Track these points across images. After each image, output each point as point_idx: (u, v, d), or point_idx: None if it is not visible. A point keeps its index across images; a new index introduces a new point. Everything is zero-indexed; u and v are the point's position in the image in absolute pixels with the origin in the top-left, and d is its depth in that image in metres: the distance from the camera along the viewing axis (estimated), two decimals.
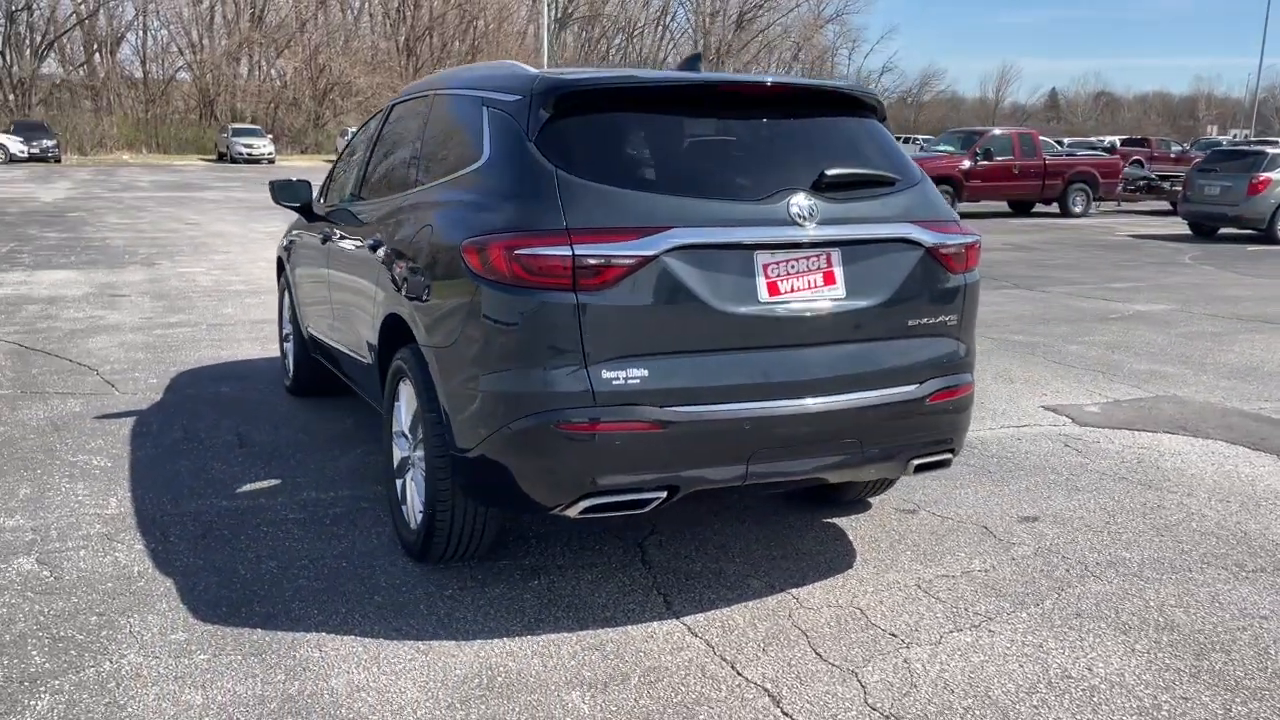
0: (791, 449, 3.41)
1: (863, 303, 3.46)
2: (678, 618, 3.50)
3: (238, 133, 45.10)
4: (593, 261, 3.12)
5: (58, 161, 39.91)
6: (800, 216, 3.33)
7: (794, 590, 3.73)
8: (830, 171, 3.46)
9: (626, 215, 3.19)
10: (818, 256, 3.40)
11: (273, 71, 60.31)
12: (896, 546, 4.16)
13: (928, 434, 3.68)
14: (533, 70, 3.69)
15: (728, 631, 3.41)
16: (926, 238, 3.58)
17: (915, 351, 3.61)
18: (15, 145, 38.39)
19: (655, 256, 3.16)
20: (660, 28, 77.91)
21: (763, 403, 3.32)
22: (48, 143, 39.95)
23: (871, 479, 3.97)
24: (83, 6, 54.39)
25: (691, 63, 4.18)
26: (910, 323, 3.58)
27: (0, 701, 2.91)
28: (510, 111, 3.54)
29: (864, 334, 3.49)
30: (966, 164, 22.64)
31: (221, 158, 45.82)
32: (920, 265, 3.58)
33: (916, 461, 3.69)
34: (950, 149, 23.91)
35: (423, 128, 4.36)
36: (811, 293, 3.38)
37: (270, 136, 46.62)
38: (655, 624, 3.45)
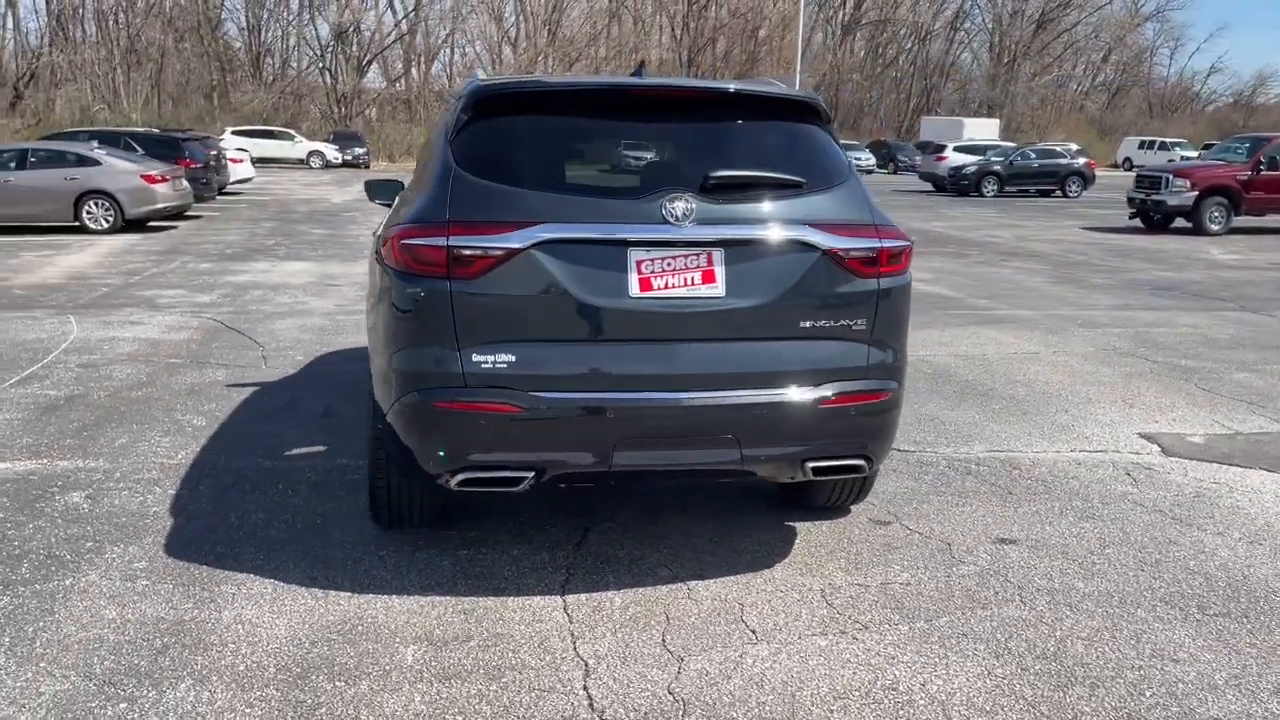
0: (660, 441, 3.51)
1: (745, 302, 3.51)
2: (563, 595, 3.70)
3: None
4: (466, 252, 3.39)
5: (366, 167, 44.18)
6: (674, 216, 3.44)
7: (693, 582, 3.82)
8: (715, 174, 3.53)
9: (501, 210, 3.44)
10: (696, 255, 3.48)
11: None
12: (836, 554, 4.12)
13: (825, 439, 3.65)
14: (481, 78, 3.99)
15: (596, 611, 3.57)
16: (824, 241, 3.56)
17: (808, 354, 3.60)
18: (331, 153, 42.98)
19: (523, 249, 3.38)
20: (952, 30, 75.32)
21: (629, 394, 3.45)
22: (359, 150, 44.35)
23: (779, 477, 3.89)
24: (402, 24, 59.88)
25: (637, 72, 4.33)
26: (803, 325, 3.58)
27: None
28: (449, 116, 3.88)
29: (746, 333, 3.53)
30: (1246, 174, 20.54)
31: None
32: (816, 268, 3.57)
33: (813, 465, 3.67)
34: (1230, 157, 21.77)
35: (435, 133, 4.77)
36: (687, 290, 3.47)
37: None
38: (538, 598, 3.67)
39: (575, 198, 3.49)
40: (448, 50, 63.64)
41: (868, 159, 51.42)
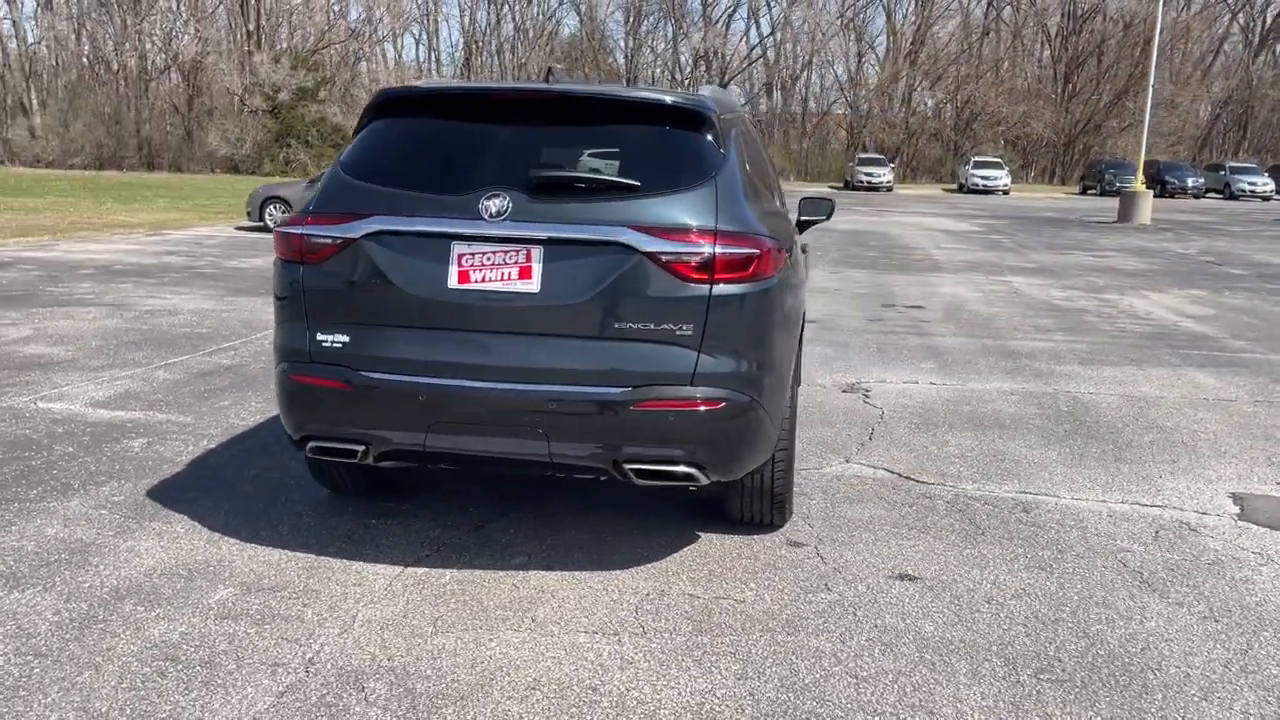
0: (470, 427, 3.67)
1: (560, 300, 3.59)
2: (406, 566, 3.95)
3: (862, 162, 47.73)
4: (314, 240, 3.76)
5: None
6: (488, 213, 3.59)
7: (534, 572, 3.92)
8: (540, 174, 3.64)
9: (348, 203, 3.77)
10: (515, 252, 3.61)
11: (926, 101, 62.25)
12: (707, 566, 4.04)
13: (641, 441, 3.63)
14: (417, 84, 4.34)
15: (417, 584, 3.79)
16: (644, 243, 3.55)
17: (622, 355, 3.60)
18: None
19: (356, 239, 3.70)
20: None
21: (443, 380, 3.65)
22: None
23: (604, 476, 3.80)
24: (757, 48, 61.32)
25: (546, 78, 4.44)
26: (618, 326, 3.58)
27: None
28: None
29: (559, 330, 3.60)
30: None
31: (847, 185, 48.78)
32: (634, 271, 3.57)
33: (632, 467, 3.66)
34: None
35: None
36: (503, 285, 3.61)
37: (891, 165, 48.51)
38: (382, 566, 3.94)
39: (411, 193, 3.74)
40: (808, 72, 64.26)
41: (1265, 184, 45.80)
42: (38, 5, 54.44)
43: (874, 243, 21.08)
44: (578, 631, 3.45)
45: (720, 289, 3.61)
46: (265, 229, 18.99)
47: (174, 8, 50.03)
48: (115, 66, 52.50)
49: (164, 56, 50.97)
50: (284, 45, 44.49)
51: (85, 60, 55.29)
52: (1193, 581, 4.04)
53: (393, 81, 48.02)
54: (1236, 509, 4.96)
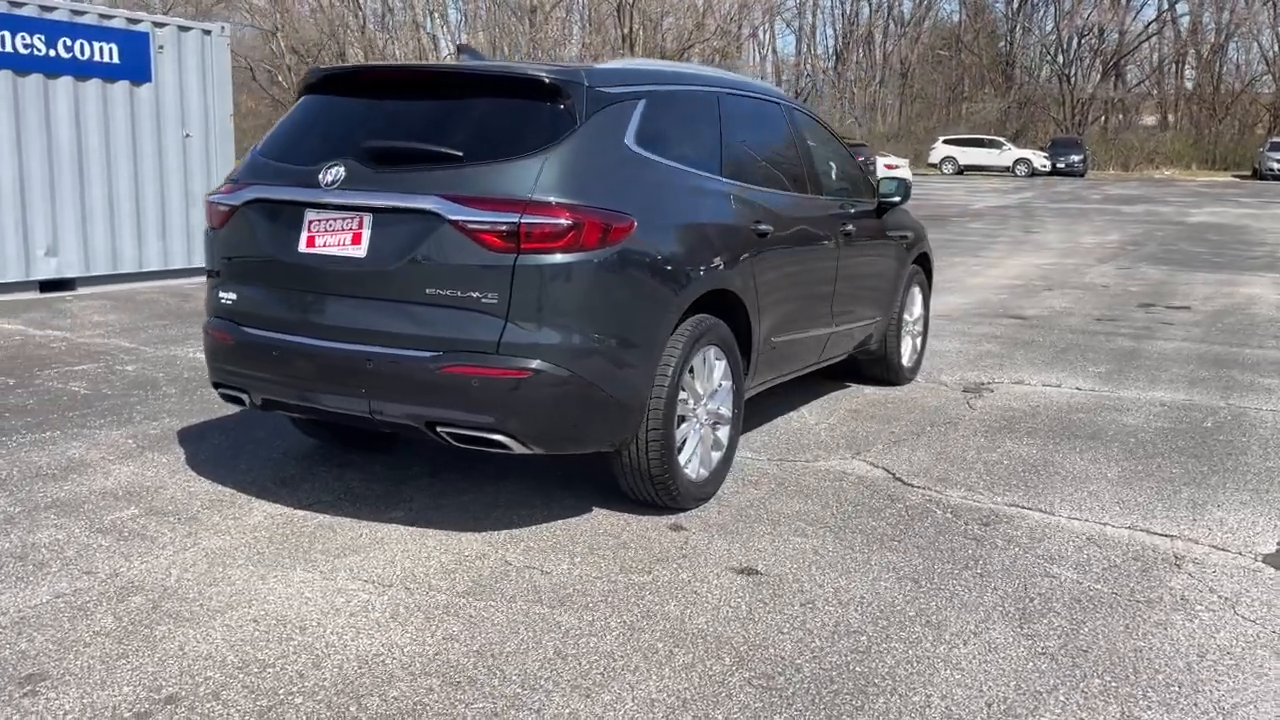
0: (309, 383, 3.94)
1: (381, 265, 3.77)
2: (296, 509, 4.30)
3: (1274, 147, 41.71)
4: (216, 208, 4.23)
5: (1080, 176, 42.27)
6: (324, 182, 3.84)
7: (394, 527, 4.11)
8: (370, 145, 3.84)
9: (244, 175, 4.19)
10: (351, 219, 3.84)
11: None
12: (555, 537, 4.03)
13: (451, 405, 3.71)
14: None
15: (284, 524, 4.13)
16: (452, 212, 3.63)
17: (431, 320, 3.70)
18: (1039, 160, 41.99)
19: (239, 206, 4.10)
20: None
21: (291, 336, 3.96)
22: (1074, 158, 42.61)
23: (419, 432, 3.87)
24: (1152, 26, 55.45)
25: (458, 53, 4.52)
26: (429, 292, 3.69)
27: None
28: None
29: (379, 294, 3.78)
30: None
31: (1255, 174, 42.95)
32: (443, 239, 3.66)
33: (444, 430, 3.76)
34: None
35: None
36: (339, 250, 3.85)
37: None
38: (273, 506, 4.32)
39: (282, 164, 4.07)
40: (1221, 50, 57.13)
41: None
42: (460, 19, 61.16)
43: (1213, 237, 18.69)
44: (358, 580, 3.62)
45: (527, 259, 3.61)
46: None
47: (564, 17, 54.22)
48: None
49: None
50: (653, 46, 46.73)
51: None
52: (1075, 619, 3.44)
53: (756, 76, 48.91)
54: (1266, 550, 4.10)
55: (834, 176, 5.87)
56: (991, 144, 43.49)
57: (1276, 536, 4.25)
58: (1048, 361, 7.73)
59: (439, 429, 3.78)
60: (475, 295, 3.65)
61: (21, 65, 9.36)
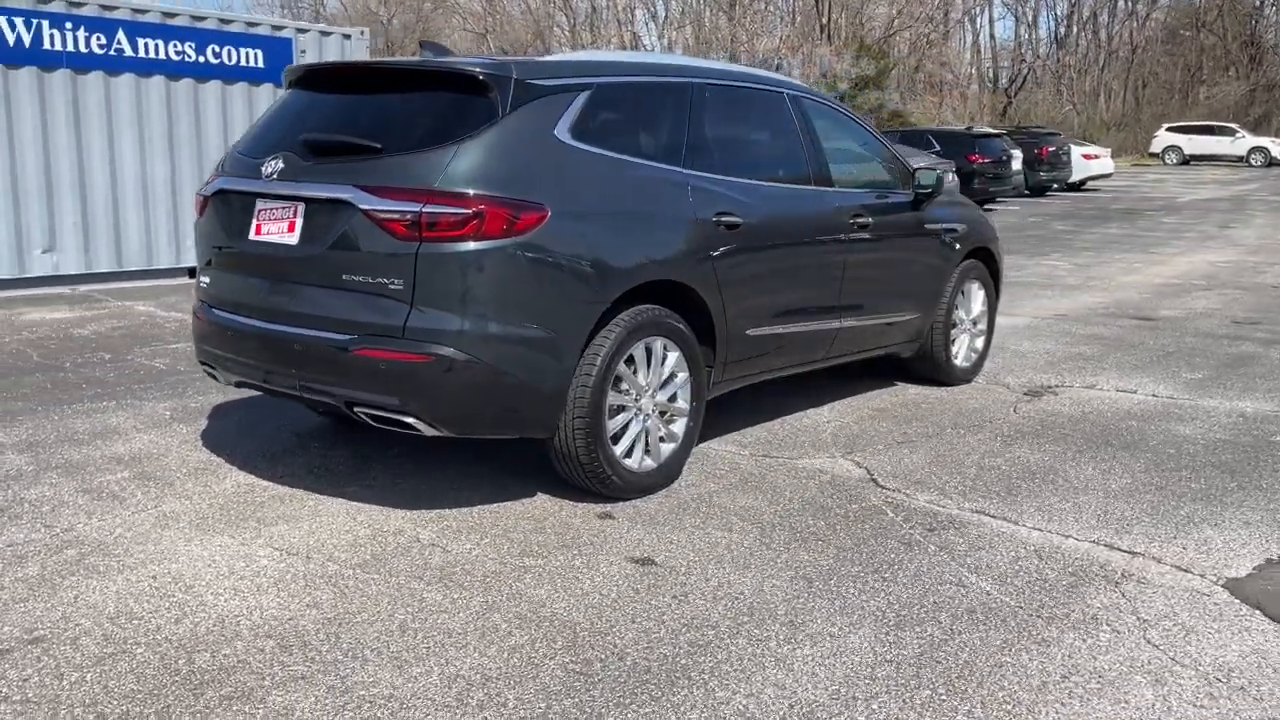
0: (255, 361, 4.21)
1: (309, 252, 3.99)
2: (261, 480, 4.59)
3: None
4: (199, 199, 4.57)
5: None
6: (265, 174, 4.10)
7: (336, 501, 4.33)
8: (303, 138, 4.06)
9: (220, 165, 4.51)
10: (288, 208, 4.08)
11: None
12: (478, 519, 4.14)
13: (364, 387, 3.89)
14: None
15: (246, 491, 4.43)
16: (362, 201, 3.81)
17: (348, 306, 3.89)
18: (1277, 149, 38.46)
19: (209, 197, 4.43)
20: None
21: (240, 318, 4.25)
22: None
23: (343, 412, 4.11)
24: None
25: (420, 49, 4.64)
26: (345, 278, 3.88)
27: (11, 373, 5.92)
28: None
29: (306, 279, 4.01)
30: None
31: None
32: (355, 226, 3.84)
33: (360, 410, 3.94)
34: None
35: None
36: (278, 237, 4.10)
37: None
38: (243, 475, 4.63)
39: (246, 158, 4.35)
40: None
41: None
42: (664, 15, 61.91)
43: None
44: (269, 547, 3.85)
45: (430, 248, 3.74)
46: None
47: (763, 9, 53.84)
48: None
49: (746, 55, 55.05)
50: (852, 35, 45.68)
51: None
52: (953, 630, 3.25)
53: (962, 63, 47.09)
54: (1234, 574, 3.72)
55: (852, 167, 5.68)
56: (1223, 131, 40.06)
57: (1257, 560, 3.84)
58: (1140, 365, 7.18)
59: (356, 409, 3.97)
60: (384, 281, 3.81)
61: (174, 71, 10.28)
